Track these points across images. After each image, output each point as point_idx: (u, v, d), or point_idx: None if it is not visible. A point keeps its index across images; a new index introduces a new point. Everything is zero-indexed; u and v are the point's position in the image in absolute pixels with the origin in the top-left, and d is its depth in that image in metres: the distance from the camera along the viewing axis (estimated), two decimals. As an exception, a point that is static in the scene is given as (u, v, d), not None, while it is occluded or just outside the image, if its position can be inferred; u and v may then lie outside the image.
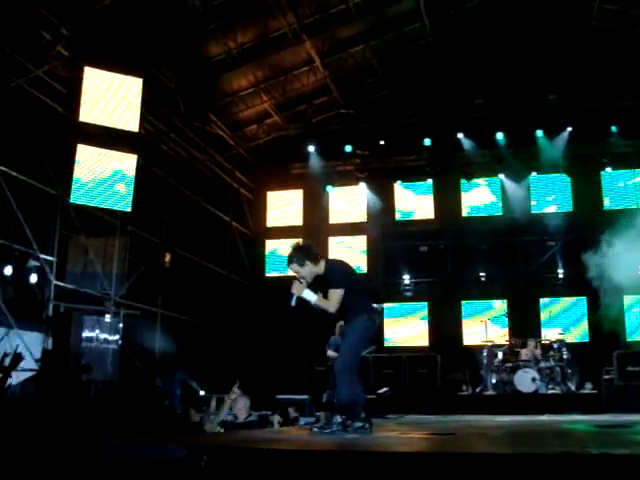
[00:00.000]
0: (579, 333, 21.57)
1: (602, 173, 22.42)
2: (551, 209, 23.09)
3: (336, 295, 6.76)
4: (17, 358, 7.50)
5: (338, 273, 6.97)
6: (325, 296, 6.85)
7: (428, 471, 3.85)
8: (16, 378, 13.68)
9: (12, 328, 14.27)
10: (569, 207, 22.88)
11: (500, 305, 22.58)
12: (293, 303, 6.82)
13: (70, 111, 16.27)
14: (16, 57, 14.88)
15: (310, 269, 6.84)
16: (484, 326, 18.58)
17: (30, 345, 14.53)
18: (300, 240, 7.31)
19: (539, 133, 21.55)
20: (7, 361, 7.71)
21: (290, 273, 6.99)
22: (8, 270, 14.50)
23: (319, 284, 6.95)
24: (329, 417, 6.81)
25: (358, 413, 6.75)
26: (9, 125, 14.74)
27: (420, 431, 7.50)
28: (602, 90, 20.79)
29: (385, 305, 22.12)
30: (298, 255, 6.88)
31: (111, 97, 16.50)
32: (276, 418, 10.56)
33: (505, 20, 20.49)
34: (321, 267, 6.90)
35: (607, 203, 22.57)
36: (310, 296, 6.78)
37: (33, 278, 15.21)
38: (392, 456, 4.28)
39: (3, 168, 14.28)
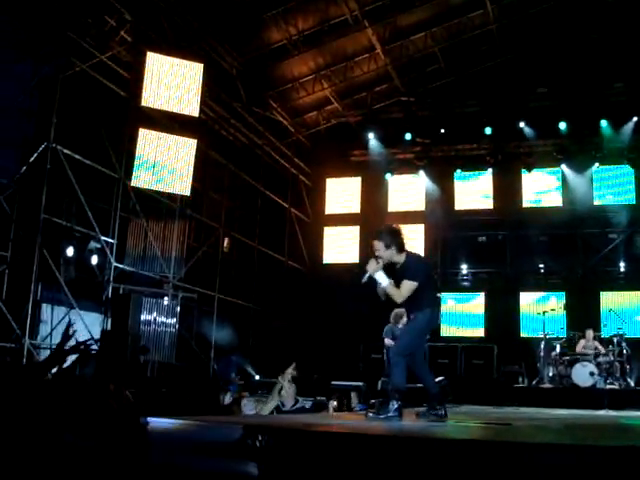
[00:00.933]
0: (640, 328, 21.13)
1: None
2: (614, 201, 22.63)
3: (408, 287, 6.85)
4: (66, 337, 7.56)
5: (418, 267, 7.07)
6: (396, 284, 6.92)
7: (485, 459, 3.81)
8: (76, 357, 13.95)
9: (73, 308, 14.53)
10: (632, 200, 22.38)
11: (559, 298, 22.23)
12: (365, 279, 6.90)
13: (132, 95, 16.44)
14: (81, 42, 15.10)
15: (391, 254, 6.95)
16: (542, 318, 18.32)
17: (89, 325, 14.78)
18: (396, 225, 7.33)
19: (603, 123, 21.08)
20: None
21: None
22: (70, 251, 14.75)
23: (391, 272, 7.01)
24: (384, 403, 6.82)
25: (433, 403, 6.98)
26: (73, 109, 14.98)
27: (476, 420, 7.43)
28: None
29: (442, 294, 21.95)
30: (389, 237, 6.97)
31: (172, 82, 16.60)
32: (332, 403, 10.58)
33: (570, 6, 20.09)
34: (402, 257, 7.01)
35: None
36: (382, 279, 6.87)
37: (94, 259, 15.45)
38: (448, 443, 4.24)
39: (67, 151, 14.51)
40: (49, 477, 4.82)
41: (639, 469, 3.50)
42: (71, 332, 7.62)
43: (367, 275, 6.90)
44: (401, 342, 7.15)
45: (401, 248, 7.00)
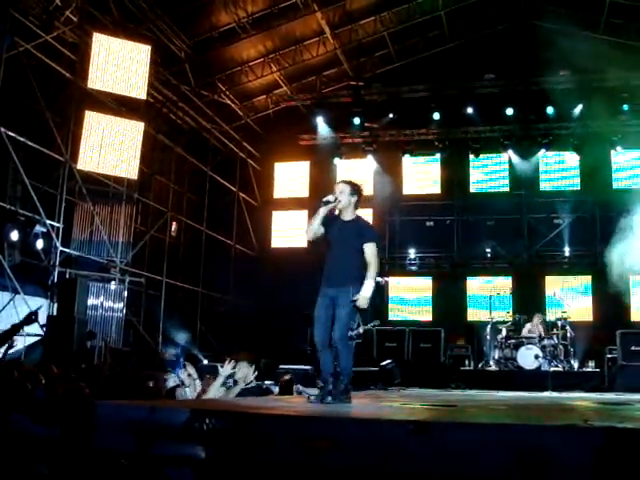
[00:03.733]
0: (583, 312, 21.48)
1: (612, 152, 22.22)
2: (559, 187, 22.98)
3: (375, 252, 6.75)
4: (30, 317, 7.59)
5: (376, 233, 7.04)
6: (341, 239, 6.83)
7: (429, 440, 3.85)
8: (22, 342, 13.78)
9: (18, 293, 14.30)
10: (577, 185, 22.76)
11: (505, 282, 22.52)
12: (324, 206, 6.88)
13: (78, 77, 16.22)
14: (25, 22, 14.80)
15: (349, 203, 6.88)
16: (488, 302, 18.58)
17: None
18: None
19: (549, 110, 21.33)
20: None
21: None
22: (14, 235, 14.51)
23: (338, 231, 6.90)
24: (326, 387, 6.72)
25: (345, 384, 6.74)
26: (18, 90, 14.71)
27: (423, 402, 7.51)
28: (615, 68, 20.52)
29: (390, 279, 22.09)
30: (356, 189, 6.96)
31: (119, 64, 16.42)
32: (276, 389, 10.59)
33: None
34: (353, 214, 6.95)
35: (616, 182, 22.42)
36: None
37: (39, 244, 15.22)
38: (393, 424, 4.27)
39: (11, 133, 14.24)
40: None
41: (578, 446, 3.59)
42: (34, 317, 7.61)
43: (327, 204, 6.87)
44: (344, 325, 6.66)
45: (357, 206, 6.97)
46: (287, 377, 10.71)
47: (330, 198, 6.89)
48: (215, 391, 8.46)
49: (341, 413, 5.42)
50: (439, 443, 3.81)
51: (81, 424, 4.76)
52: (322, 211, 6.86)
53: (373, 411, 5.79)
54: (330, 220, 6.96)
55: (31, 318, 7.64)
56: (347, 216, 6.96)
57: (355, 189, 6.95)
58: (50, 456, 4.92)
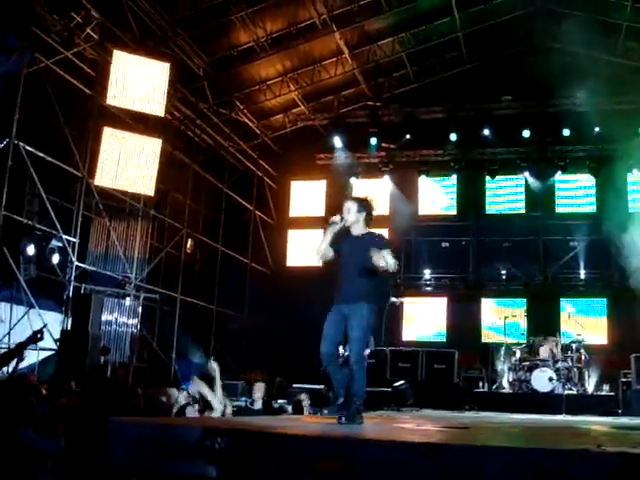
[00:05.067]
0: (599, 335, 21.35)
1: (628, 174, 22.16)
2: (575, 209, 22.91)
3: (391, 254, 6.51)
4: (35, 336, 7.59)
5: (385, 242, 6.80)
6: (353, 255, 6.69)
7: (440, 462, 3.83)
8: (36, 356, 13.81)
9: (33, 307, 14.35)
10: (593, 208, 22.68)
11: (520, 303, 22.41)
12: (330, 227, 6.78)
13: (97, 93, 16.35)
14: (45, 38, 14.95)
15: (357, 220, 6.77)
16: (503, 324, 18.49)
17: (49, 325, 14.60)
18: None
19: (566, 132, 21.32)
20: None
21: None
22: (31, 249, 14.57)
23: (349, 246, 6.80)
24: (339, 400, 6.65)
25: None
26: (37, 106, 14.83)
27: (435, 424, 7.48)
28: (631, 91, 20.49)
29: (405, 299, 22.00)
30: (364, 205, 6.83)
31: (138, 81, 16.54)
32: (289, 408, 10.58)
33: (535, 17, 20.34)
34: (364, 230, 6.82)
35: (632, 205, 22.31)
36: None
37: (55, 258, 15.28)
38: (404, 446, 4.25)
39: (30, 148, 14.34)
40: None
41: (591, 471, 3.56)
42: (39, 336, 7.62)
43: (336, 225, 6.72)
44: (360, 347, 6.63)
45: (368, 221, 6.82)
46: (304, 402, 10.67)
47: (336, 219, 6.79)
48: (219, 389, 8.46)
49: (352, 434, 5.40)
50: (451, 466, 3.79)
51: (92, 439, 4.77)
52: (329, 233, 6.77)
53: (384, 432, 5.76)
54: (340, 237, 6.86)
55: (36, 337, 7.64)
56: (358, 231, 6.84)
57: (363, 205, 6.82)
58: (57, 469, 4.93)
